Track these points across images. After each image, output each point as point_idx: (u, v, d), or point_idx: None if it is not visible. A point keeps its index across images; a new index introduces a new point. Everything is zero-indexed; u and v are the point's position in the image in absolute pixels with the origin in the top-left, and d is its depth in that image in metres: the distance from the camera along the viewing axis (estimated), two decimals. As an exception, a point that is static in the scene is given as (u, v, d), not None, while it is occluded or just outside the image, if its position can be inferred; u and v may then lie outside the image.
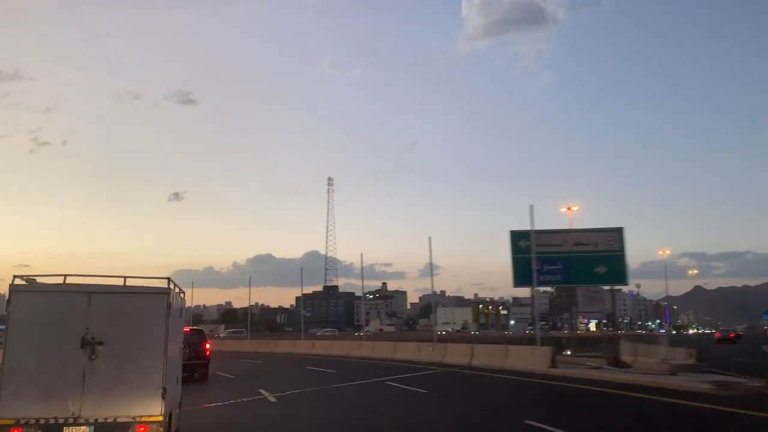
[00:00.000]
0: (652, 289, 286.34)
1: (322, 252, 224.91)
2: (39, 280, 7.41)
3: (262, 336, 77.51)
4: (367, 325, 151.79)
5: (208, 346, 18.74)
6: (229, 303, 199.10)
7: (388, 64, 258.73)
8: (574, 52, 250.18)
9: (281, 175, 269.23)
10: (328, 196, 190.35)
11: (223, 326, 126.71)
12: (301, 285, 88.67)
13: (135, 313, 7.02)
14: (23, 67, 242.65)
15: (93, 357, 6.75)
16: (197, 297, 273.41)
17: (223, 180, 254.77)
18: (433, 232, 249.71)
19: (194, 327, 23.23)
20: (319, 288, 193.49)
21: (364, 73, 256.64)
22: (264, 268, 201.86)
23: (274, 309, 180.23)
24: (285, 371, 25.64)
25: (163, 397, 6.85)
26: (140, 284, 7.45)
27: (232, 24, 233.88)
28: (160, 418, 6.81)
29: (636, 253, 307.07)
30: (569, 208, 29.50)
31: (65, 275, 7.25)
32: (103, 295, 7.05)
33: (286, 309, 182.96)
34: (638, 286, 54.65)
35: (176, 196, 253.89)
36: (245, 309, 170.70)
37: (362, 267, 44.15)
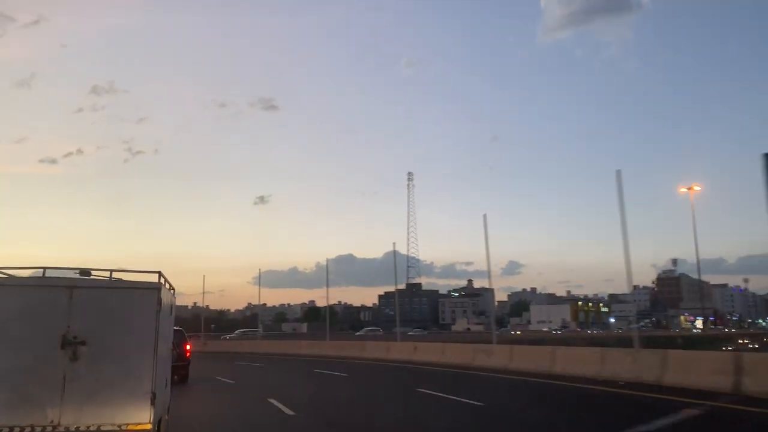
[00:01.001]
0: (758, 284, 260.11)
1: (401, 251, 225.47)
2: (17, 273, 6.66)
3: (345, 335, 71.69)
4: (453, 323, 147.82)
5: (188, 347, 18.35)
6: (312, 302, 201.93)
7: (464, 60, 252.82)
8: (662, 37, 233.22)
9: (362, 175, 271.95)
10: (408, 191, 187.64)
11: (305, 325, 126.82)
12: (395, 281, 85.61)
13: (122, 310, 6.42)
14: (117, 81, 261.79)
15: (75, 358, 6.20)
16: (282, 296, 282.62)
17: (306, 182, 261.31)
18: (513, 230, 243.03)
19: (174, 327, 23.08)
20: (401, 286, 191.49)
21: (441, 70, 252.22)
22: (345, 268, 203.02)
23: (357, 308, 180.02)
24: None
25: (153, 403, 6.27)
26: (128, 279, 6.81)
27: (309, 29, 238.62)
28: (149, 426, 6.24)
29: (739, 244, 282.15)
30: (690, 188, 24.52)
31: (44, 268, 6.70)
32: (87, 290, 6.44)
33: (369, 307, 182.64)
34: (746, 280, 47.58)
35: (261, 199, 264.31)
36: (328, 307, 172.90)
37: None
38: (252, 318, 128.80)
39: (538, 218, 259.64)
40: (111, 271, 6.69)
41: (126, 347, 6.33)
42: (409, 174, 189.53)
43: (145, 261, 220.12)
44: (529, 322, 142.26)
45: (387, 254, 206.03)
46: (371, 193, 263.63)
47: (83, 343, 6.23)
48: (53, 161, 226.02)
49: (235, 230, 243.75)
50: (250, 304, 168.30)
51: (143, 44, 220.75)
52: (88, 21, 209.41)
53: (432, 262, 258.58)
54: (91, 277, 6.77)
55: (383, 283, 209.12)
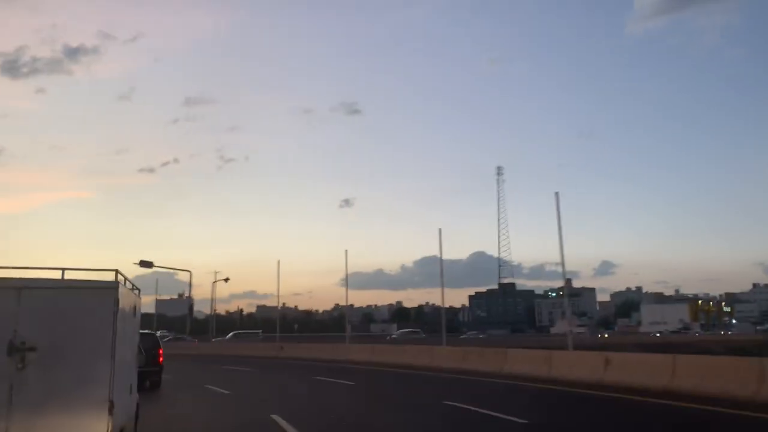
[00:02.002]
0: None
1: (488, 252, 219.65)
2: None
3: (455, 339, 56.51)
4: (551, 325, 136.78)
5: (161, 351, 17.91)
6: (399, 303, 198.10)
7: (549, 55, 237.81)
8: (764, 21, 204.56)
9: (448, 176, 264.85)
10: (498, 186, 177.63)
11: (395, 326, 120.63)
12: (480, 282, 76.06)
13: (75, 313, 5.99)
14: (208, 92, 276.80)
15: (22, 366, 5.79)
16: (368, 297, 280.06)
17: (390, 184, 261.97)
18: (606, 228, 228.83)
19: (145, 331, 21.81)
20: (491, 287, 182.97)
21: (526, 66, 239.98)
22: (431, 270, 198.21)
23: (446, 309, 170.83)
24: None
25: (111, 413, 5.85)
26: (83, 278, 6.24)
27: (389, 31, 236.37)
28: None
29: None
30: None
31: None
32: (37, 291, 6.00)
33: (458, 309, 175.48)
34: None
35: (346, 202, 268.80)
36: (417, 308, 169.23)
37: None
38: (339, 318, 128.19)
39: (631, 217, 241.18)
40: (63, 270, 6.20)
41: (80, 352, 5.94)
42: (499, 168, 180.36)
43: (241, 264, 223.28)
44: (639, 323, 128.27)
45: (472, 255, 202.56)
46: (456, 192, 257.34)
47: (32, 348, 5.88)
48: (151, 170, 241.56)
49: (322, 233, 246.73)
50: (337, 305, 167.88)
51: (231, 56, 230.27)
52: (179, 36, 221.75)
53: (519, 263, 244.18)
54: (43, 278, 6.22)
55: (471, 284, 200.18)
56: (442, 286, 27.12)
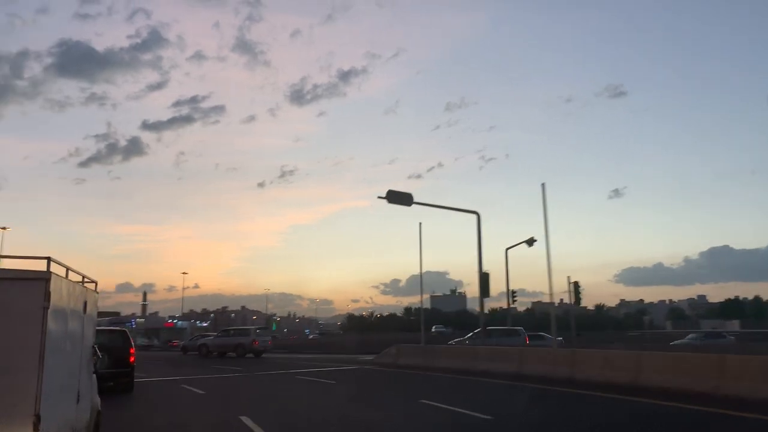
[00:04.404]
0: None
1: None
2: None
3: None
4: None
5: (132, 351, 17.05)
6: (695, 299, 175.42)
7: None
8: None
9: (732, 155, 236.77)
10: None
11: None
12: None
13: None
14: (467, 95, 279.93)
15: None
16: (646, 294, 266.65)
17: (664, 169, 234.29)
18: None
19: (115, 327, 20.95)
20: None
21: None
22: (720, 261, 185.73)
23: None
24: None
25: (36, 428, 4.95)
26: (5, 267, 5.32)
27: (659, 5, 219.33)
28: None
29: None
30: None
31: None
32: None
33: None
34: None
35: (616, 192, 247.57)
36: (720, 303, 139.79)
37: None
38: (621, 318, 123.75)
39: None
40: None
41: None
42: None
43: (504, 261, 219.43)
44: None
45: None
46: (746, 173, 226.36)
47: None
48: (419, 176, 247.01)
49: (588, 227, 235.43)
50: (622, 300, 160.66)
51: (486, 56, 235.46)
52: (436, 46, 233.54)
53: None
54: None
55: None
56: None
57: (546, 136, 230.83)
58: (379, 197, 28.87)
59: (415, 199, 29.03)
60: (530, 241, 36.28)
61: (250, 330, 40.80)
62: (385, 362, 27.06)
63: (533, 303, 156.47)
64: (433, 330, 72.54)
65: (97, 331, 8.42)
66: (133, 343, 17.74)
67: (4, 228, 55.00)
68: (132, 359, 16.95)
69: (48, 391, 5.12)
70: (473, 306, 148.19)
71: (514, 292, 42.58)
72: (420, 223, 33.41)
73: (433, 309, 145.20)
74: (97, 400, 7.82)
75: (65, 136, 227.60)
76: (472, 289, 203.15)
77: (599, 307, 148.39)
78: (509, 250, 38.80)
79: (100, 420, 7.89)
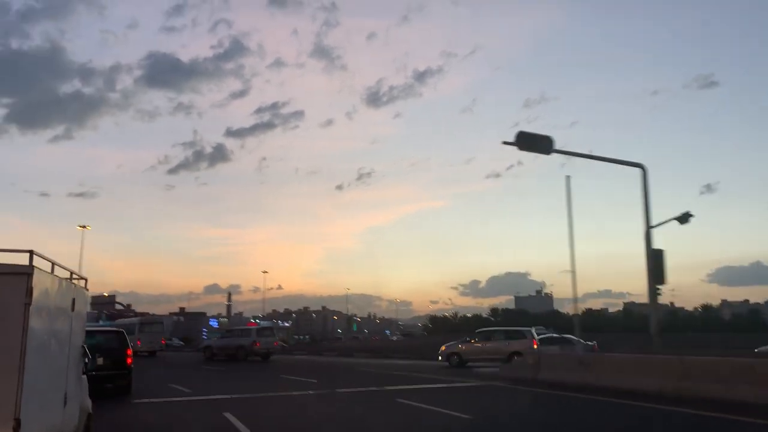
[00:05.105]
0: None
1: None
2: None
3: None
4: None
5: (129, 352, 15.92)
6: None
7: None
8: None
9: None
10: None
11: None
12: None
13: None
14: (547, 91, 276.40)
15: None
16: (745, 294, 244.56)
17: (760, 166, 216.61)
18: None
19: (112, 328, 19.21)
20: None
21: None
22: None
23: None
24: None
25: None
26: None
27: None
28: None
29: None
30: None
31: None
32: None
33: None
34: None
35: (707, 188, 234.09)
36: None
37: None
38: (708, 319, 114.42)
39: None
40: None
41: None
42: None
43: (589, 262, 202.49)
44: None
45: None
46: None
47: None
48: (497, 175, 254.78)
49: (680, 225, 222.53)
50: (724, 301, 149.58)
51: (565, 51, 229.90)
52: (515, 42, 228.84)
53: None
54: None
55: None
56: None
57: (631, 130, 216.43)
58: (504, 142, 20.48)
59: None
60: (684, 218, 26.43)
61: (251, 330, 36.78)
62: (518, 376, 18.74)
63: (624, 304, 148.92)
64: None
65: (94, 332, 9.32)
66: (130, 344, 16.55)
67: (84, 227, 57.17)
68: (129, 360, 16.03)
69: (29, 394, 4.71)
70: (559, 307, 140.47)
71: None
72: (568, 177, 26.79)
73: (519, 310, 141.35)
74: (88, 402, 7.60)
75: (155, 144, 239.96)
76: (557, 290, 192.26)
77: (706, 308, 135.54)
78: (653, 229, 29.94)
79: (91, 423, 7.68)
